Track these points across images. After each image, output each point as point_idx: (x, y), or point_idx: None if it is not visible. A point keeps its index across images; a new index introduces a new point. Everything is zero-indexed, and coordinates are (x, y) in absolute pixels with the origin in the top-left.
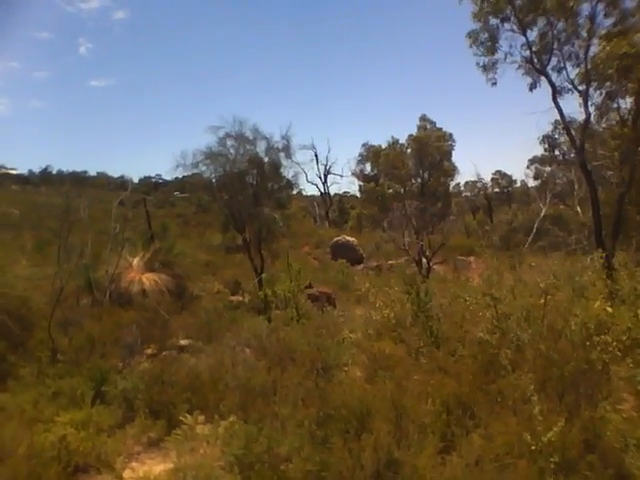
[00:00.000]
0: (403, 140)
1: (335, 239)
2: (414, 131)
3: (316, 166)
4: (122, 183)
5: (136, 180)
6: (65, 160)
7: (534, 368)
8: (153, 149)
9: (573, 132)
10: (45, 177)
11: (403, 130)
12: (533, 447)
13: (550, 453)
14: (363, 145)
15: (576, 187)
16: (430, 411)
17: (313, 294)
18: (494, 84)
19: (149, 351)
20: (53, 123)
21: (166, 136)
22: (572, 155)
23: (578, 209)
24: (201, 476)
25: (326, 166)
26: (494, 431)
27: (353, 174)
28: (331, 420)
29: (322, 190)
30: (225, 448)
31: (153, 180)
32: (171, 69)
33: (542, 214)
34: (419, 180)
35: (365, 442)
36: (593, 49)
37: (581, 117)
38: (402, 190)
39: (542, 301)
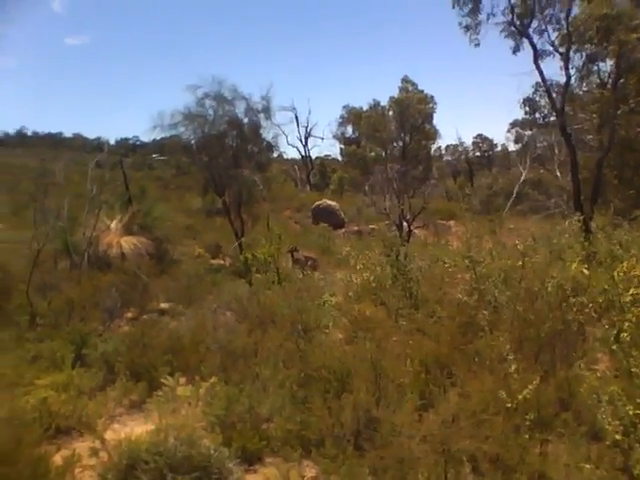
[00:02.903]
0: (384, 102)
1: (316, 203)
2: (396, 93)
3: (296, 128)
4: (99, 145)
5: (113, 142)
6: (40, 121)
7: (511, 329)
8: (131, 110)
9: (554, 95)
10: (20, 139)
11: (385, 92)
12: (509, 405)
13: (526, 411)
14: (344, 107)
15: (556, 151)
16: (409, 371)
17: (298, 258)
18: (477, 45)
19: (129, 315)
20: (27, 82)
21: (144, 96)
22: (552, 118)
23: (558, 173)
24: (183, 436)
25: (307, 128)
26: (471, 389)
27: (334, 137)
28: (312, 381)
29: (303, 153)
30: (206, 409)
31: (130, 142)
32: (149, 26)
33: (522, 178)
34: (400, 143)
35: (345, 401)
36: (574, 12)
37: (562, 80)
38: (383, 153)
39: (520, 263)
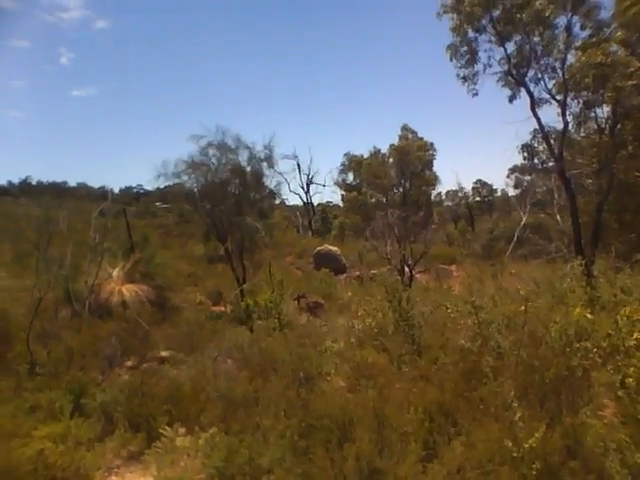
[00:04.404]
0: (385, 150)
1: (318, 249)
2: (396, 141)
3: (298, 175)
4: (103, 194)
5: (117, 190)
6: (45, 171)
7: (515, 375)
8: (135, 159)
9: (552, 141)
10: (25, 188)
11: (385, 139)
12: (515, 454)
13: (532, 459)
14: (345, 155)
15: (556, 195)
16: (412, 419)
17: (308, 303)
18: (475, 95)
19: (129, 363)
20: (33, 133)
21: (148, 146)
22: (551, 163)
23: (558, 217)
24: None
25: (308, 175)
26: (476, 438)
27: (335, 183)
28: (313, 430)
29: (305, 200)
30: (206, 460)
31: (134, 190)
32: (152, 78)
33: (523, 222)
34: (401, 189)
35: (347, 452)
36: (570, 59)
37: (560, 126)
38: (384, 199)
39: (523, 308)
